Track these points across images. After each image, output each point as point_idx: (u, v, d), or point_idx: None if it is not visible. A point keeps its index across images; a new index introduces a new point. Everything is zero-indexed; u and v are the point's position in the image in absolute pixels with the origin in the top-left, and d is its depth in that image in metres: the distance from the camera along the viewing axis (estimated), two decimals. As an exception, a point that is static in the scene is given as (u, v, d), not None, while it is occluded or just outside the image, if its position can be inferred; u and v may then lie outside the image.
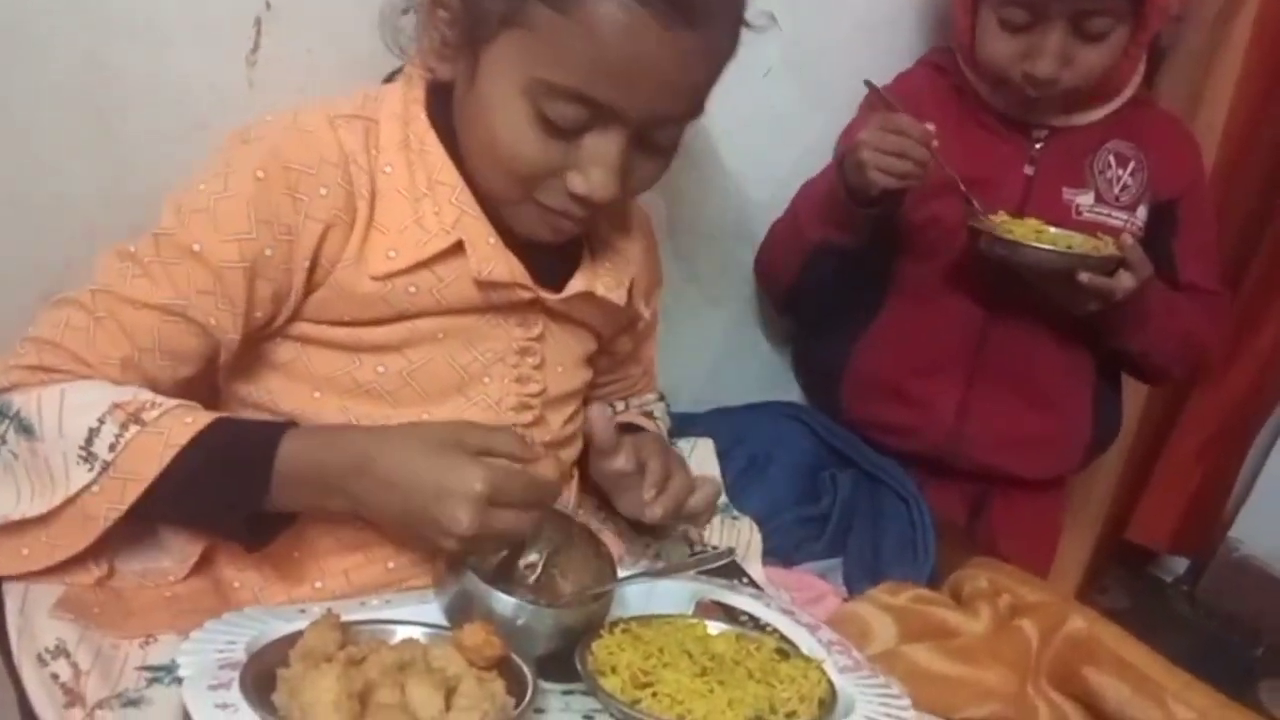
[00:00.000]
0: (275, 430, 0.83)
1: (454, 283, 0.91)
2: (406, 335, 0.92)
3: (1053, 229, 1.32)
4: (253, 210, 0.85)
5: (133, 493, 0.80)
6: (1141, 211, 1.41)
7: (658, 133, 0.89)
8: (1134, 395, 1.69)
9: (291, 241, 0.87)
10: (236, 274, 0.86)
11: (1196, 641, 2.15)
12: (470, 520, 0.79)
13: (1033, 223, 1.33)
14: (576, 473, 1.10)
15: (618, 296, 1.00)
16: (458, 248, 0.90)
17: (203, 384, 0.92)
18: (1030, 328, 1.42)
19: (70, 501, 0.81)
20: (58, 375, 0.84)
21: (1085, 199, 1.40)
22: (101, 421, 0.80)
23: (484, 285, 0.91)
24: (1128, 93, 1.41)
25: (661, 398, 1.24)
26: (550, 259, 0.96)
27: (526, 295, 0.94)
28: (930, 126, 1.24)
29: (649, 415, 1.19)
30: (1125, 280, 1.26)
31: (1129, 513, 2.11)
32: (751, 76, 1.37)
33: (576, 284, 0.97)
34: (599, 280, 0.99)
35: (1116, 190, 1.40)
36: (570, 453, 1.06)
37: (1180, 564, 2.33)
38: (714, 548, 1.11)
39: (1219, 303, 1.48)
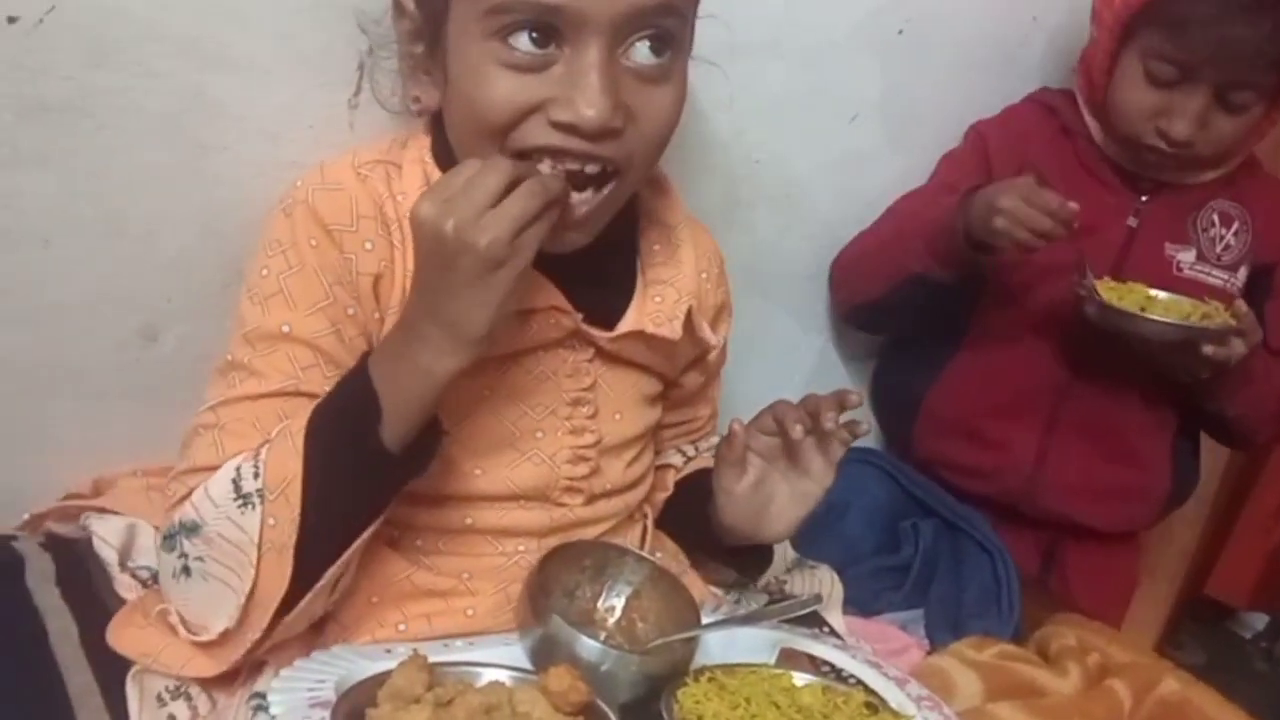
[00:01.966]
0: (360, 364, 0.82)
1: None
2: (453, 393, 0.84)
3: (1160, 295, 1.30)
4: (324, 276, 0.86)
5: (294, 495, 0.78)
6: (1243, 272, 1.39)
7: (644, 35, 0.81)
8: (1216, 450, 1.66)
9: (359, 298, 0.88)
10: (331, 340, 0.86)
11: (1275, 699, 2.08)
12: (484, 236, 0.73)
13: (1138, 288, 1.30)
14: (649, 513, 1.09)
15: (670, 330, 0.97)
16: None
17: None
18: (1114, 377, 1.39)
19: (261, 551, 0.79)
20: None
21: (1187, 256, 1.38)
22: (237, 469, 0.81)
23: (521, 315, 0.88)
24: (1239, 159, 1.39)
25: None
26: (601, 294, 0.95)
27: (568, 324, 0.92)
28: (1074, 206, 1.21)
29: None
30: (1239, 347, 1.24)
31: (1209, 568, 2.07)
32: (839, 122, 1.37)
33: (627, 322, 0.95)
34: (647, 318, 0.96)
35: (1219, 249, 1.38)
36: (635, 495, 1.04)
37: (1259, 620, 2.28)
38: (794, 596, 1.10)
39: None
